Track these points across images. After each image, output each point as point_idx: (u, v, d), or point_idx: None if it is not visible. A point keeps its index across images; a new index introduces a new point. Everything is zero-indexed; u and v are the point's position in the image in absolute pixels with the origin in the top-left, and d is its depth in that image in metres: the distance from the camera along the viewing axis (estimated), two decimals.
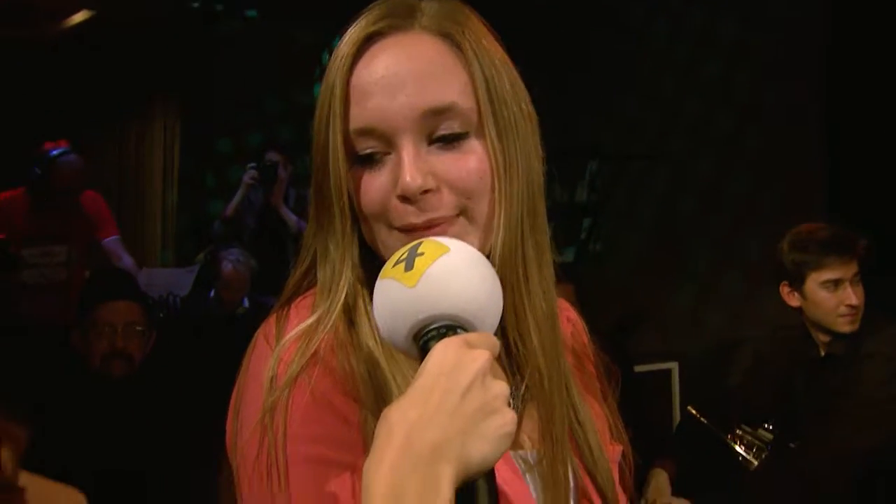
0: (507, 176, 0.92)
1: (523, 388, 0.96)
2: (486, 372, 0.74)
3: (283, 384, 0.86)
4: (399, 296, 0.79)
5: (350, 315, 0.92)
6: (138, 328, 2.76)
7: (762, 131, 4.36)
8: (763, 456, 2.68)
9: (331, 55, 0.94)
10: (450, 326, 0.78)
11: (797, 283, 2.71)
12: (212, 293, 4.49)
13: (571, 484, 0.99)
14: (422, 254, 0.80)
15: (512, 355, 0.96)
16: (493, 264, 0.90)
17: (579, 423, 1.00)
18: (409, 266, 0.79)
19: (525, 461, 0.96)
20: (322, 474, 0.85)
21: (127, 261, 4.54)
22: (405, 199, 0.89)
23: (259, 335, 0.93)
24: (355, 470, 0.83)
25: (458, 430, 0.70)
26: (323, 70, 0.95)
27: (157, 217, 6.59)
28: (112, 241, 4.55)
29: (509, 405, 0.76)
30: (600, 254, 4.81)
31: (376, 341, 0.88)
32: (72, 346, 2.79)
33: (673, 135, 4.75)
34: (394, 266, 0.80)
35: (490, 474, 0.73)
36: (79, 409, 2.62)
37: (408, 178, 0.88)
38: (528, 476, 0.96)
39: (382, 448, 0.70)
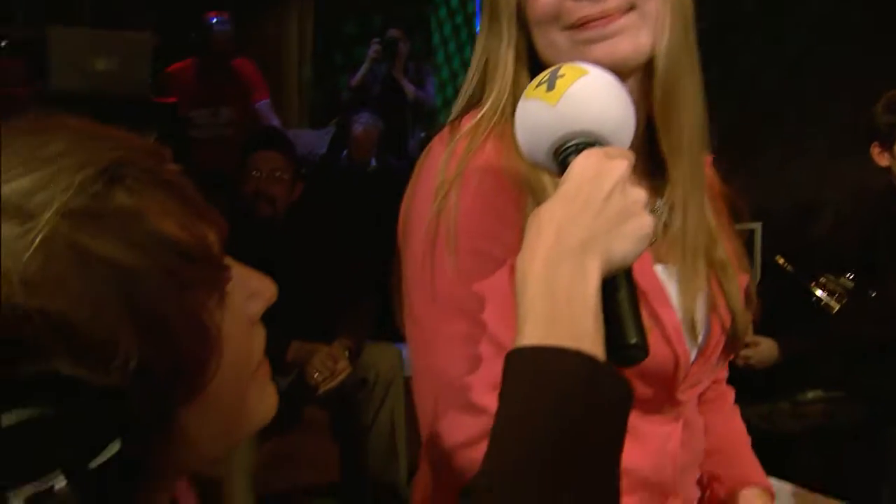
0: None
1: (665, 199, 0.94)
2: (626, 179, 0.70)
3: (453, 176, 0.85)
4: (541, 114, 0.74)
5: None
6: (281, 175, 2.77)
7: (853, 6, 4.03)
8: (844, 301, 2.58)
9: None
10: (587, 143, 0.74)
11: (888, 144, 2.53)
12: (344, 153, 4.50)
13: (704, 295, 0.96)
14: (562, 75, 0.75)
15: (655, 167, 0.93)
16: (658, 64, 0.89)
17: (712, 240, 0.97)
18: (551, 87, 0.74)
19: (663, 269, 0.94)
20: (483, 267, 0.85)
21: (275, 122, 4.58)
22: None
23: (434, 140, 0.92)
24: (511, 267, 0.81)
25: (602, 229, 0.67)
26: None
27: (293, 91, 6.61)
28: (264, 105, 4.59)
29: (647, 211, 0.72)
30: None
31: None
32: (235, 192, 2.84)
33: (767, 11, 4.46)
34: (536, 87, 0.76)
35: (629, 270, 0.70)
36: (233, 245, 2.68)
37: None
38: (665, 283, 0.93)
39: (534, 243, 0.68)
